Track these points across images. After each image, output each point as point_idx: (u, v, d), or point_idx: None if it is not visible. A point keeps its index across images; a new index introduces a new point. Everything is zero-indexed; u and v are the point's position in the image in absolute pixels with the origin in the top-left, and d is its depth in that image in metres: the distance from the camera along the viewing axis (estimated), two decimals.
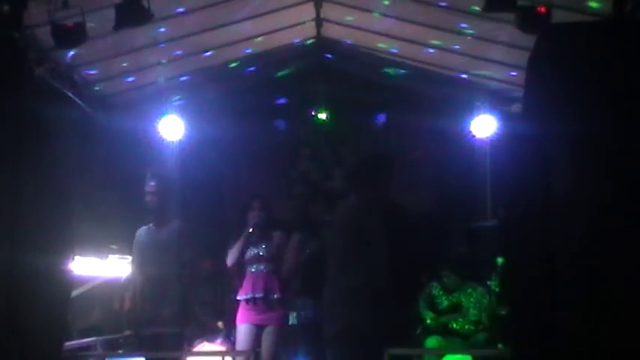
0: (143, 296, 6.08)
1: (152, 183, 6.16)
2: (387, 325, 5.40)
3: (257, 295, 6.43)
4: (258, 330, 6.48)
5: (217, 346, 7.34)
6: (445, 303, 7.76)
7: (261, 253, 6.52)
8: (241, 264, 6.53)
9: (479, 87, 8.47)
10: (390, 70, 8.77)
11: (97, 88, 7.87)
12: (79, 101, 7.52)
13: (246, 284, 6.51)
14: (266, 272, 6.50)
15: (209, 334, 7.58)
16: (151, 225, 6.22)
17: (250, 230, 6.46)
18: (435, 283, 7.84)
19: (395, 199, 5.82)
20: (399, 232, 5.52)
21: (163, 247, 6.07)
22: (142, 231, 6.27)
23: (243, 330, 6.50)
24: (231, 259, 6.53)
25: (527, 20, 5.67)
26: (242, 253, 6.50)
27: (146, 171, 6.32)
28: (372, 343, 5.19)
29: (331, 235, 5.60)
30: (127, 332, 6.85)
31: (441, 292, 7.79)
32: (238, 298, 6.57)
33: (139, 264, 6.18)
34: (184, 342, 6.48)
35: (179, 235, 6.15)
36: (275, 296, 6.48)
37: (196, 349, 7.25)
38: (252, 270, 6.51)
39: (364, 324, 5.15)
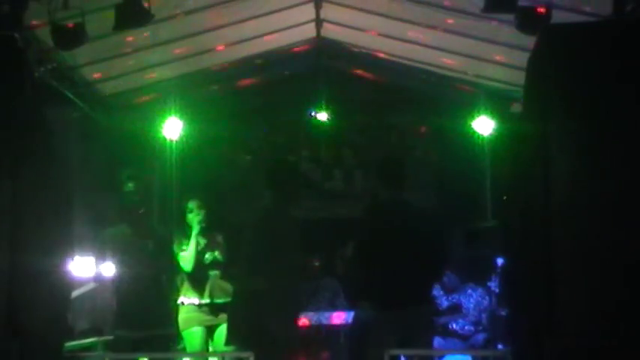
0: (127, 297, 6.02)
1: (130, 184, 6.12)
2: (293, 328, 5.42)
3: (217, 301, 6.32)
4: (209, 331, 6.40)
5: None
6: (445, 303, 7.76)
7: (215, 257, 6.44)
8: (200, 268, 6.43)
9: (479, 87, 8.47)
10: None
11: (96, 89, 7.88)
12: (79, 101, 7.52)
13: (205, 288, 6.42)
14: (221, 277, 6.40)
15: None
16: (124, 226, 6.16)
17: (196, 231, 6.37)
18: (435, 284, 7.84)
19: (411, 199, 5.75)
20: (416, 233, 5.43)
21: (147, 250, 6.03)
22: (117, 231, 6.19)
23: (196, 334, 6.34)
24: (189, 264, 6.37)
25: (527, 21, 5.66)
26: (198, 256, 6.38)
27: (132, 174, 6.26)
28: (277, 345, 5.17)
29: (243, 236, 5.54)
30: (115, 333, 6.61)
31: (441, 293, 7.79)
32: (187, 300, 6.40)
33: (121, 264, 6.10)
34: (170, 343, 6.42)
35: (161, 240, 6.15)
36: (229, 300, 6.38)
37: None
38: (211, 274, 6.43)
39: (268, 327, 5.12)
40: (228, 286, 6.32)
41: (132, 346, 5.86)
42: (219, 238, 6.50)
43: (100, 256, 6.22)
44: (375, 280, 5.36)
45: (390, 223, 5.38)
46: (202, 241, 6.40)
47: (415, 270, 5.24)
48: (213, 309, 6.34)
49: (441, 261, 5.84)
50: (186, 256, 6.32)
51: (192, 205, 6.46)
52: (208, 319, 6.36)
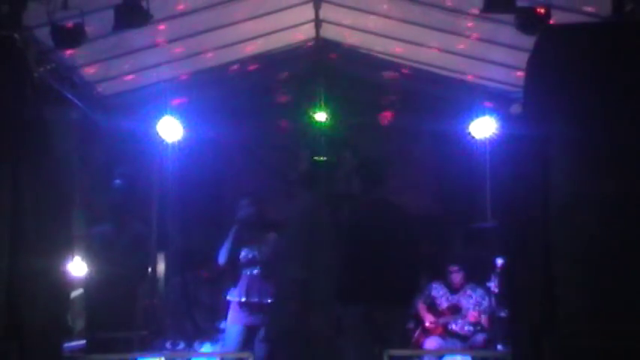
0: (101, 298, 5.97)
1: (117, 181, 6.12)
2: (334, 323, 5.44)
3: (251, 300, 6.35)
4: (249, 331, 6.41)
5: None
6: (445, 304, 7.76)
7: (255, 256, 6.43)
8: (236, 265, 6.46)
9: (478, 88, 8.47)
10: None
11: (96, 89, 7.88)
12: (79, 102, 7.52)
13: (241, 286, 6.43)
14: (261, 276, 6.41)
15: (207, 336, 7.56)
16: (108, 225, 6.12)
17: (237, 226, 6.37)
18: (435, 284, 7.84)
19: (392, 199, 5.83)
20: (396, 232, 5.52)
21: (125, 249, 6.01)
22: (100, 230, 6.15)
23: (233, 330, 6.43)
24: (222, 257, 6.42)
25: (527, 21, 5.67)
26: (234, 252, 6.40)
27: (119, 173, 6.25)
28: (319, 340, 5.19)
29: (286, 232, 5.58)
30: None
31: (441, 293, 7.79)
32: (230, 299, 6.49)
33: (98, 264, 6.05)
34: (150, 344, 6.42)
35: (138, 238, 6.14)
36: (269, 300, 6.38)
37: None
38: (247, 273, 6.43)
39: (311, 322, 5.15)
40: (267, 287, 6.33)
41: (103, 347, 5.82)
42: (270, 237, 6.47)
43: (86, 256, 6.20)
44: (347, 280, 5.43)
45: (363, 224, 5.44)
46: (247, 238, 6.40)
47: (388, 270, 5.29)
48: (257, 309, 6.33)
49: (417, 260, 5.89)
50: (221, 251, 6.36)
51: (243, 201, 6.49)
52: (248, 319, 6.36)
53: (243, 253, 6.43)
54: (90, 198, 7.62)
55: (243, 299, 6.35)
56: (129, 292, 6.05)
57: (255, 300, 6.32)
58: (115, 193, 6.09)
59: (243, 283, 6.42)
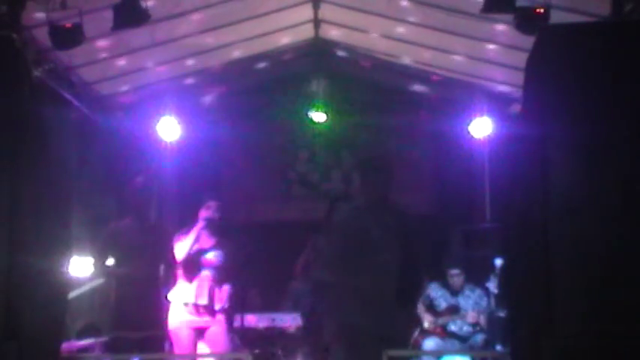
0: (128, 297, 5.92)
1: (138, 179, 6.08)
2: (388, 326, 5.37)
3: (200, 302, 6.25)
4: (198, 334, 6.31)
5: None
6: (443, 305, 7.75)
7: (211, 260, 6.36)
8: (191, 265, 6.35)
9: (477, 88, 8.47)
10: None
11: (94, 89, 7.87)
12: (77, 102, 7.51)
13: (190, 287, 6.33)
14: (212, 279, 6.34)
15: None
16: (128, 221, 6.06)
17: (200, 225, 6.30)
18: (434, 285, 7.83)
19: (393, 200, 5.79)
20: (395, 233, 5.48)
21: (149, 247, 5.96)
22: (120, 227, 6.10)
23: (182, 334, 6.22)
24: (180, 253, 6.29)
25: (526, 21, 5.67)
26: (191, 250, 6.29)
27: (138, 170, 6.21)
28: (374, 343, 5.16)
29: (335, 235, 5.52)
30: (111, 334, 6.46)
31: (439, 293, 7.78)
32: (175, 298, 6.30)
33: (123, 262, 5.99)
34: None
35: (164, 235, 6.11)
36: (218, 305, 6.27)
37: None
38: (200, 275, 6.34)
39: (367, 324, 5.12)
40: (218, 291, 6.28)
41: (130, 346, 5.81)
42: (229, 244, 6.40)
43: (102, 253, 6.14)
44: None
45: (351, 224, 5.40)
46: (205, 240, 6.35)
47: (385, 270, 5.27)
48: (205, 312, 6.25)
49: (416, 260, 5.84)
50: (180, 246, 6.23)
51: (212, 203, 6.41)
52: (198, 321, 6.27)
53: (205, 255, 6.35)
54: (89, 198, 7.62)
55: (191, 300, 6.24)
56: (156, 291, 6.01)
57: (204, 303, 6.22)
58: (138, 192, 6.04)
59: (193, 283, 6.30)
